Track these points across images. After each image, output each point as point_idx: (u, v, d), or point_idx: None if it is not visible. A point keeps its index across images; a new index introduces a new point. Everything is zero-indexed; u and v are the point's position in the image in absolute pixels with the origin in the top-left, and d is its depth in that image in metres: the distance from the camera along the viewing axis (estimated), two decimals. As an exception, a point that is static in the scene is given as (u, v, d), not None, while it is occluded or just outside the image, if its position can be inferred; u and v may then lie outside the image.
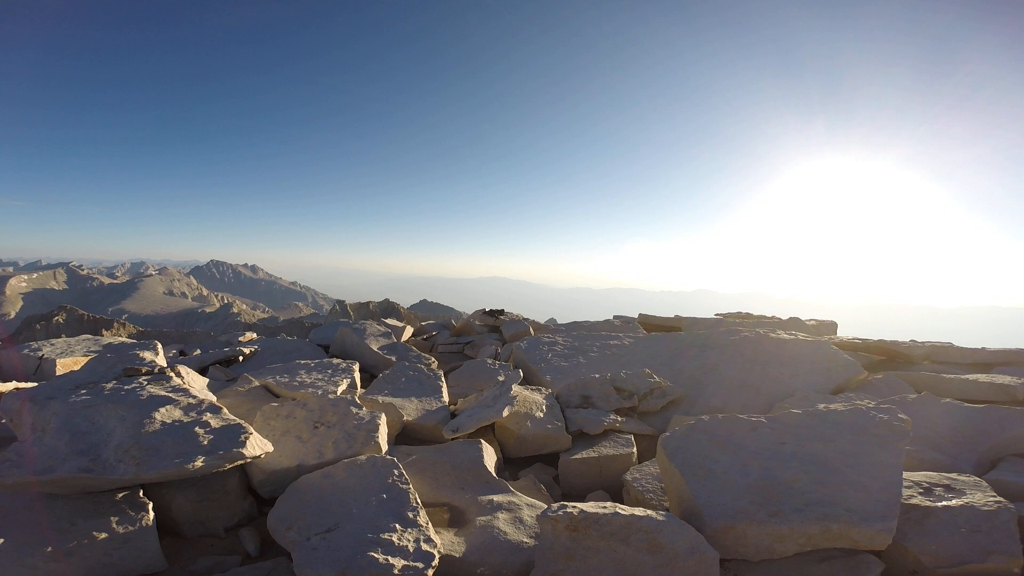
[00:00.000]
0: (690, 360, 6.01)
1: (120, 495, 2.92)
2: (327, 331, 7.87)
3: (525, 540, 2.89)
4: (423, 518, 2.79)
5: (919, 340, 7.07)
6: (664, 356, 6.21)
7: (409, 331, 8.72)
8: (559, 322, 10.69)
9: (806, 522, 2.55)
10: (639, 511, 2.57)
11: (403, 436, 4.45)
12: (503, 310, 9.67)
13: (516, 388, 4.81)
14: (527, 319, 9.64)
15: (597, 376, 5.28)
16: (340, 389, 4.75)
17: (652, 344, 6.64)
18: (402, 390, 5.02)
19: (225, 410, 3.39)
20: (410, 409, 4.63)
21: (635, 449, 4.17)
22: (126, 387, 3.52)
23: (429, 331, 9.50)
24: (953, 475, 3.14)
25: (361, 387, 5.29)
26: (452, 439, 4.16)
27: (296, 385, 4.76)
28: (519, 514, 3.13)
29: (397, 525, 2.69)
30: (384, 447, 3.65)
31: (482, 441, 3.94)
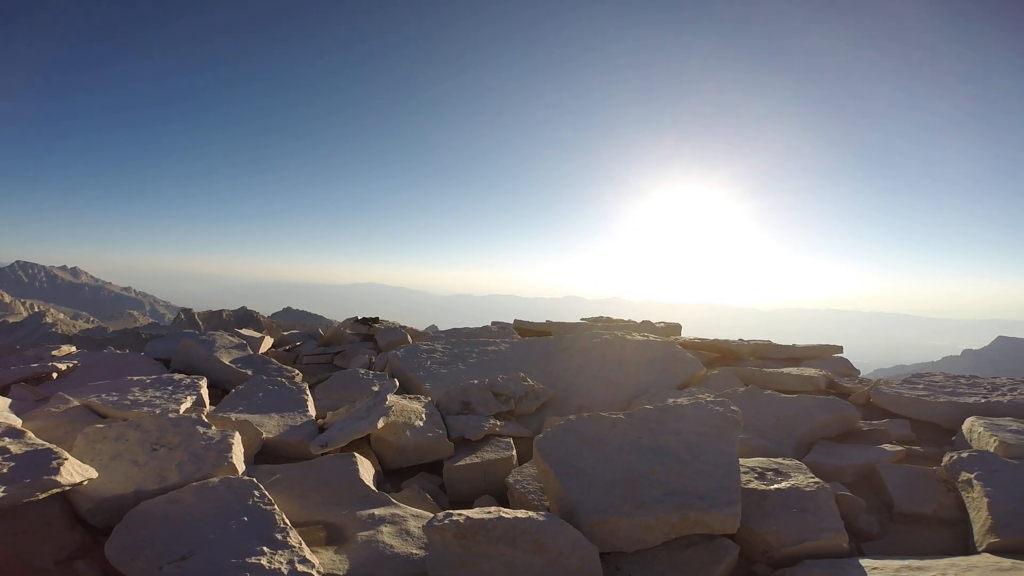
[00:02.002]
0: (559, 363, 6.32)
1: None
2: (168, 343, 6.95)
3: (415, 551, 2.80)
4: (295, 538, 2.60)
5: (746, 339, 8.16)
6: (537, 360, 6.45)
7: (269, 342, 8.05)
8: (441, 329, 10.58)
9: (666, 511, 2.76)
10: (522, 513, 2.62)
11: (264, 455, 4.07)
12: (377, 318, 9.34)
13: (392, 398, 4.67)
14: (405, 327, 9.41)
15: (476, 382, 5.33)
16: (183, 407, 4.23)
17: (526, 349, 6.86)
18: (260, 406, 4.60)
19: (30, 434, 2.91)
20: (270, 426, 4.26)
21: (515, 452, 4.25)
22: None
23: (293, 341, 8.86)
24: (779, 460, 3.59)
25: (211, 405, 4.77)
26: (321, 454, 3.91)
27: (128, 404, 4.14)
28: (405, 526, 3.03)
29: (265, 548, 2.49)
30: (240, 467, 3.32)
31: (356, 454, 3.75)
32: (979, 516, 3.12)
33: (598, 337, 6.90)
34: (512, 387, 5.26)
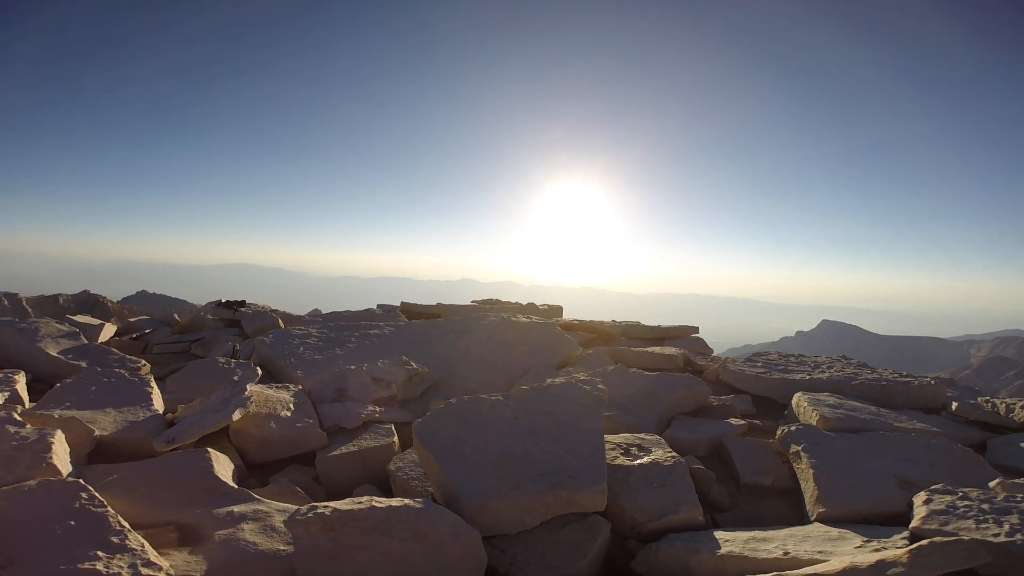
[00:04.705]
0: (447, 345, 6.26)
1: None
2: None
3: (282, 548, 2.63)
4: (135, 541, 2.35)
5: (618, 320, 8.71)
6: (423, 343, 6.34)
7: (111, 330, 7.06)
8: (324, 313, 9.97)
9: (542, 491, 2.82)
10: (396, 502, 2.55)
11: (101, 454, 3.59)
12: (244, 301, 8.57)
13: (255, 387, 4.31)
14: (277, 310, 8.73)
15: (353, 368, 5.09)
16: (-7, 405, 3.59)
17: (412, 332, 6.71)
18: (93, 401, 4.01)
19: None
20: (106, 422, 3.74)
21: (396, 438, 4.12)
22: None
23: (142, 328, 7.87)
24: (642, 435, 3.78)
25: (33, 402, 4.09)
26: (169, 451, 3.52)
27: (-87, 405, 3.42)
28: (270, 522, 2.83)
29: (100, 552, 2.24)
30: (64, 469, 2.93)
31: (210, 450, 3.43)
32: (808, 487, 3.42)
33: (485, 319, 6.95)
34: (394, 371, 5.11)
